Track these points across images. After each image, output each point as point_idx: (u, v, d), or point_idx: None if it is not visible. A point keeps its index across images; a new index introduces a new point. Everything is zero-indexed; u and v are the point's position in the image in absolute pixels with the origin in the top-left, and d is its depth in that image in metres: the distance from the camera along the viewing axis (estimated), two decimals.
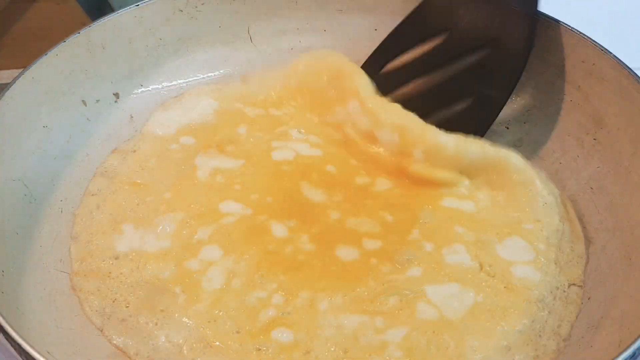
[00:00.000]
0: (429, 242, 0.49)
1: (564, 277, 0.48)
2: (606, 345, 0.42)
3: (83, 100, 0.57)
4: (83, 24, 0.57)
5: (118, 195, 0.53)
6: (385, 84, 0.58)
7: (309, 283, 0.47)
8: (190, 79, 0.63)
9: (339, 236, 0.50)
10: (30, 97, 0.53)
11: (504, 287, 0.47)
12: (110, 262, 0.49)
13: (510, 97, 0.56)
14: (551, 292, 0.47)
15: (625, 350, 0.38)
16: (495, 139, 0.58)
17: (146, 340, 0.44)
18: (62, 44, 0.55)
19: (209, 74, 0.64)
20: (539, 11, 0.55)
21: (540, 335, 0.45)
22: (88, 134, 0.57)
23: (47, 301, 0.46)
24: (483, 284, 0.47)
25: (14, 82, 0.51)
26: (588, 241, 0.50)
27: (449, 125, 0.53)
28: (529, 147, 0.57)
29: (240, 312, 0.46)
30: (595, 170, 0.53)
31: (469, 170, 0.53)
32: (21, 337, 0.38)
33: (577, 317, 0.46)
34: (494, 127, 0.58)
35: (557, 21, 0.56)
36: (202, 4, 0.62)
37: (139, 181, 0.54)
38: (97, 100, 0.58)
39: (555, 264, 0.48)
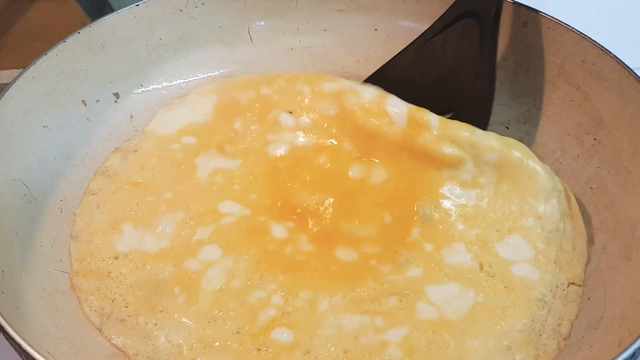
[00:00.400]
0: (428, 241, 0.50)
1: (564, 276, 0.48)
2: (606, 345, 0.42)
3: (83, 100, 0.57)
4: (83, 24, 0.57)
5: (118, 195, 0.53)
6: None
7: (308, 283, 0.47)
8: (190, 79, 0.63)
9: (338, 238, 0.50)
10: (30, 97, 0.53)
11: (504, 286, 0.47)
12: (110, 262, 0.49)
13: (512, 96, 0.56)
14: (551, 291, 0.47)
15: (625, 350, 0.38)
16: None
17: (146, 341, 0.44)
18: (62, 44, 0.55)
19: (209, 74, 0.64)
20: (539, 11, 0.55)
21: (540, 335, 0.45)
22: (88, 134, 0.57)
23: (47, 301, 0.46)
24: (483, 283, 0.47)
25: (14, 82, 0.51)
26: (589, 241, 0.50)
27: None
28: (529, 147, 0.57)
29: (240, 312, 0.46)
30: (595, 170, 0.53)
31: (477, 154, 0.52)
32: (21, 337, 0.38)
33: (577, 317, 0.46)
34: (494, 127, 0.58)
35: (557, 21, 0.56)
36: (202, 4, 0.62)
37: (139, 181, 0.54)
38: (97, 100, 0.58)
39: (555, 262, 0.48)
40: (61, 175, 0.54)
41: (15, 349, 0.39)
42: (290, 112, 0.58)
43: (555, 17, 0.56)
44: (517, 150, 0.52)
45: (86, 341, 0.44)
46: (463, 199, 0.52)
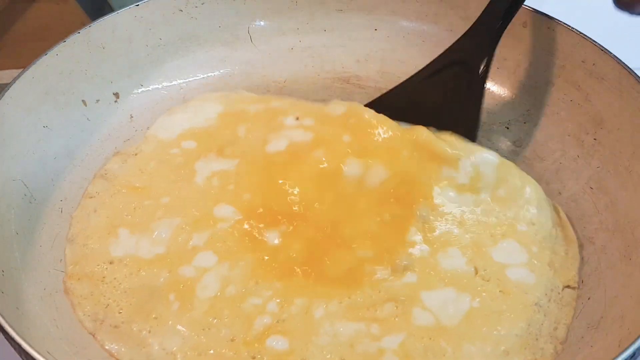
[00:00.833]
0: (424, 247, 0.49)
1: (559, 279, 0.48)
2: (606, 345, 0.42)
3: (83, 100, 0.57)
4: (83, 24, 0.57)
5: (116, 198, 0.53)
6: None
7: (304, 290, 0.46)
8: (190, 79, 0.63)
9: (334, 244, 0.49)
10: (30, 97, 0.53)
11: (500, 290, 0.46)
12: (105, 267, 0.48)
13: (512, 96, 0.56)
14: (546, 295, 0.47)
15: (625, 350, 0.38)
16: (495, 139, 0.58)
17: (139, 348, 0.44)
18: (62, 44, 0.55)
19: (209, 74, 0.64)
20: (539, 11, 0.55)
21: (537, 339, 0.45)
22: (88, 134, 0.57)
23: (47, 301, 0.46)
24: (479, 288, 0.46)
25: (14, 82, 0.51)
26: (583, 243, 0.50)
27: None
28: (529, 147, 0.57)
29: (235, 319, 0.45)
30: (595, 170, 0.53)
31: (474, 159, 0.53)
32: (21, 337, 0.38)
33: (573, 319, 0.46)
34: (494, 127, 0.58)
35: (557, 21, 0.56)
36: (202, 4, 0.62)
37: (137, 185, 0.53)
38: (97, 100, 0.58)
39: (549, 266, 0.48)
40: (61, 175, 0.54)
41: (15, 349, 0.39)
42: (297, 118, 0.57)
43: (555, 17, 0.56)
44: (511, 177, 0.52)
45: (86, 341, 0.44)
46: (459, 203, 0.51)
